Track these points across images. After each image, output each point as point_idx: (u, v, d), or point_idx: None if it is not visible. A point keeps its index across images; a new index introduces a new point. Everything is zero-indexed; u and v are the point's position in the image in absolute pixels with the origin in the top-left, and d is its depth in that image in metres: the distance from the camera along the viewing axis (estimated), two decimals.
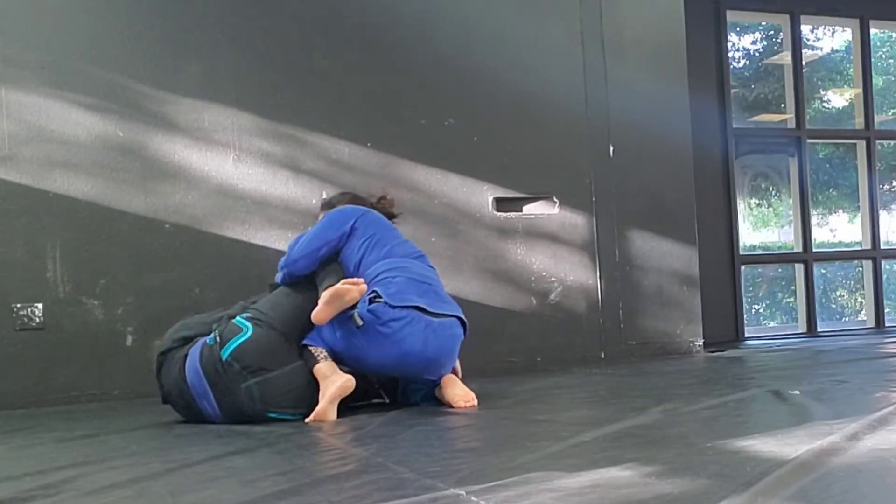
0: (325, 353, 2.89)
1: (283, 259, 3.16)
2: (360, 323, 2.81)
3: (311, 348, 2.91)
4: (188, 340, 2.98)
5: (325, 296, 2.85)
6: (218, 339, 2.86)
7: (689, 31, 5.10)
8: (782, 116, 6.48)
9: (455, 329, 2.95)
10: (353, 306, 2.88)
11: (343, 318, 2.88)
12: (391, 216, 3.42)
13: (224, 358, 2.82)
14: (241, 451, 2.25)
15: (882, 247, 6.42)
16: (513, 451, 2.00)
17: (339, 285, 2.85)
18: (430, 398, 3.05)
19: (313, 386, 2.85)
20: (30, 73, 3.87)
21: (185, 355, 2.93)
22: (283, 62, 4.26)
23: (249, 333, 2.84)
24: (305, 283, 3.06)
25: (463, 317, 3.02)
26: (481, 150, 4.56)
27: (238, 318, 2.92)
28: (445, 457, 1.97)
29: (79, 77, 3.93)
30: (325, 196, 3.94)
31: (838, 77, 7.50)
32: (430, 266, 3.16)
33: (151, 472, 1.99)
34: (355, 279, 2.91)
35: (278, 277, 3.16)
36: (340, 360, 2.91)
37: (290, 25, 4.28)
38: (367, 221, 3.18)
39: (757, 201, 7.63)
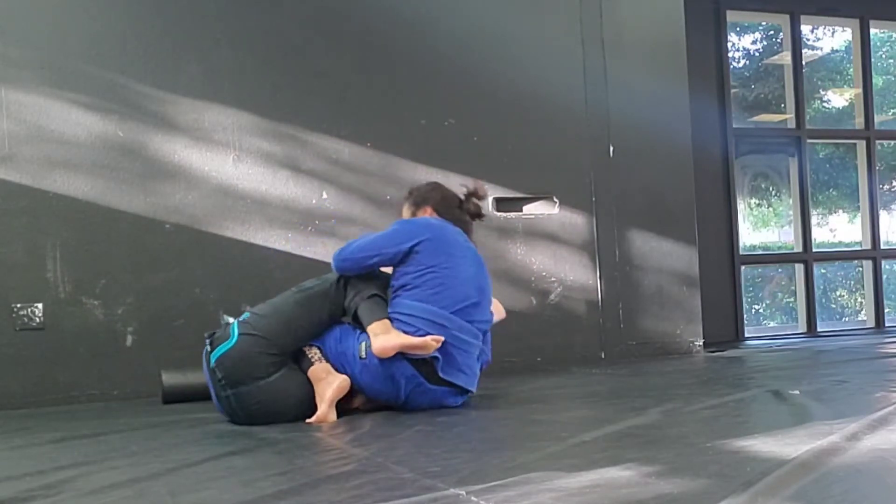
0: (320, 355, 2.87)
1: (338, 251, 3.01)
2: (363, 356, 2.82)
3: (304, 349, 2.88)
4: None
5: (403, 341, 2.75)
6: (209, 344, 2.86)
7: (689, 31, 5.10)
8: (782, 116, 6.48)
9: (453, 398, 2.92)
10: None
11: (348, 341, 2.88)
12: (476, 216, 3.20)
13: (211, 364, 2.83)
14: (241, 451, 2.25)
15: (882, 247, 6.42)
16: (513, 451, 2.00)
17: (427, 339, 2.76)
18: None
19: (290, 399, 2.82)
20: (30, 73, 3.87)
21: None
22: (283, 62, 4.26)
23: (234, 342, 2.80)
24: (321, 293, 2.94)
25: (473, 388, 2.97)
26: (481, 150, 4.56)
27: (235, 321, 2.90)
28: (445, 457, 1.97)
29: (79, 77, 3.93)
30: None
31: (838, 77, 7.49)
32: (477, 323, 2.96)
33: (151, 472, 1.99)
34: (437, 337, 2.79)
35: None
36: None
37: (290, 25, 4.28)
38: (432, 249, 2.93)
39: (757, 201, 7.63)
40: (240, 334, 2.81)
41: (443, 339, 2.80)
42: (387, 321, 2.83)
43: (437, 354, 2.81)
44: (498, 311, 3.22)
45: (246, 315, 2.91)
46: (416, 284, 2.89)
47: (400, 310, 2.87)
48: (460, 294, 2.92)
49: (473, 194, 3.20)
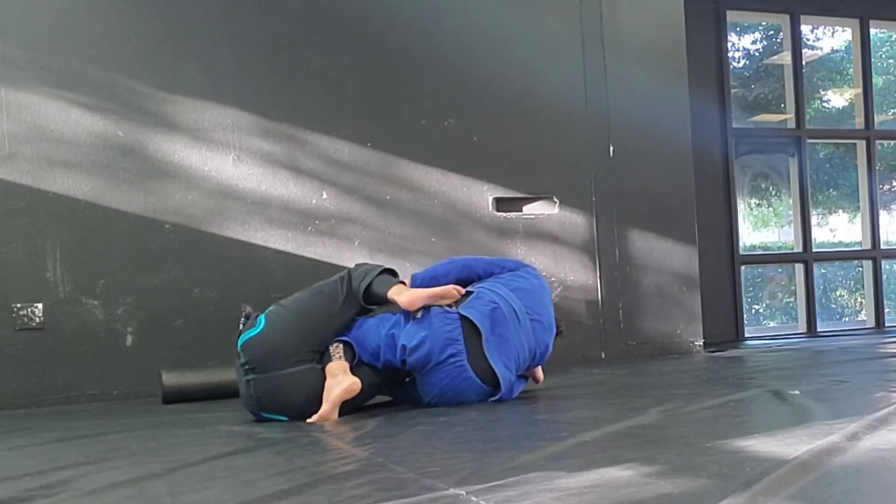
0: (341, 353, 2.91)
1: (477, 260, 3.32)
2: (419, 316, 2.91)
3: (331, 346, 2.94)
4: None
5: (428, 292, 2.94)
6: (241, 326, 2.93)
7: (689, 31, 5.10)
8: (782, 116, 6.47)
9: (472, 390, 2.94)
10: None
11: (399, 316, 3.00)
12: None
13: (237, 348, 2.89)
14: (241, 451, 2.25)
15: (882, 247, 6.42)
16: (513, 451, 2.00)
17: (449, 287, 2.99)
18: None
19: (306, 395, 2.85)
20: (30, 73, 3.87)
21: None
22: (283, 62, 4.25)
23: (260, 329, 2.87)
24: (332, 284, 3.05)
25: (501, 386, 2.98)
26: (481, 150, 4.56)
27: (266, 310, 2.97)
28: (445, 457, 1.97)
29: (79, 77, 3.93)
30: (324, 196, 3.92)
31: (838, 77, 7.49)
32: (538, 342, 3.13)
33: (151, 472, 1.99)
34: (458, 288, 3.03)
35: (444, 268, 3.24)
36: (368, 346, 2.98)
37: (290, 25, 4.28)
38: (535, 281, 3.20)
39: (757, 201, 7.62)
40: (265, 324, 2.89)
41: (464, 290, 3.01)
42: (402, 284, 3.00)
43: (486, 335, 2.91)
44: (537, 374, 3.35)
45: (273, 308, 2.98)
46: (509, 279, 3.14)
47: (486, 285, 3.07)
48: (537, 303, 3.11)
49: (560, 325, 3.36)
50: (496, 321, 2.94)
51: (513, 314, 2.98)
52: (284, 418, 2.85)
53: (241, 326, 2.94)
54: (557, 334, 3.31)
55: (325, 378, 2.86)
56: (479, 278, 3.21)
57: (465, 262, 3.26)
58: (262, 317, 2.92)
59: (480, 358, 2.90)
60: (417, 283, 3.14)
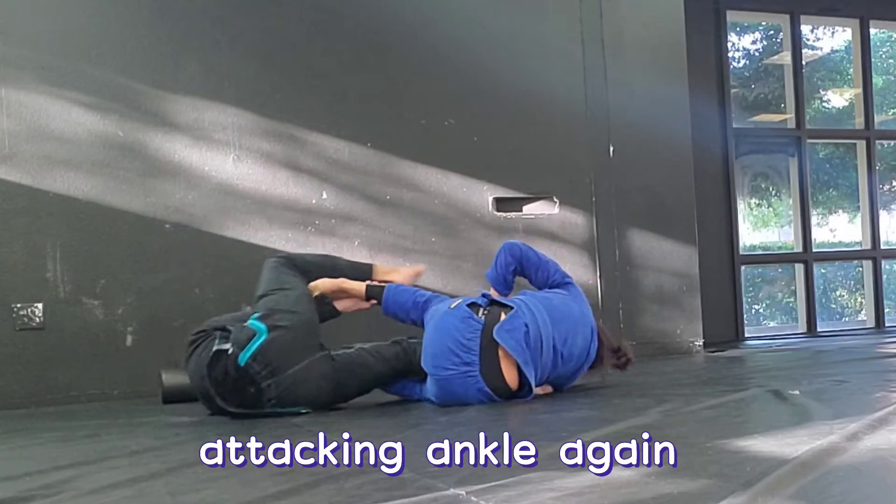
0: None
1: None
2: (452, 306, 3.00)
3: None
4: (208, 334, 2.99)
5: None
6: (233, 346, 2.88)
7: (689, 31, 5.10)
8: (782, 116, 6.47)
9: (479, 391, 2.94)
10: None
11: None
12: (616, 366, 3.26)
13: (242, 363, 2.85)
14: (240, 451, 2.24)
15: (882, 247, 6.42)
16: (513, 450, 1.99)
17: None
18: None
19: (321, 383, 2.97)
20: (30, 73, 3.87)
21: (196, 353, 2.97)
22: (283, 62, 4.26)
23: (264, 336, 2.88)
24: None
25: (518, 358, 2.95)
26: (481, 150, 4.56)
27: (251, 320, 2.94)
28: (445, 457, 1.97)
29: (79, 77, 3.93)
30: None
31: (838, 77, 7.49)
32: (569, 345, 3.06)
33: (151, 472, 1.99)
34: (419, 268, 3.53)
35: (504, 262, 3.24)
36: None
37: (290, 25, 4.28)
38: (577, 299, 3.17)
39: (757, 201, 7.62)
40: (269, 328, 2.89)
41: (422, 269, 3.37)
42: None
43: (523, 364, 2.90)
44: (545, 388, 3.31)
45: (257, 314, 2.97)
46: (552, 300, 3.10)
47: (527, 301, 3.06)
48: (571, 333, 3.05)
49: (625, 355, 3.27)
50: (528, 345, 2.91)
51: (538, 341, 2.93)
52: (300, 411, 2.92)
53: (217, 346, 2.88)
54: (626, 363, 3.26)
55: (331, 360, 3.02)
56: (530, 278, 3.25)
57: (528, 259, 3.23)
58: (258, 325, 2.90)
59: (495, 370, 2.89)
60: (490, 280, 3.26)
